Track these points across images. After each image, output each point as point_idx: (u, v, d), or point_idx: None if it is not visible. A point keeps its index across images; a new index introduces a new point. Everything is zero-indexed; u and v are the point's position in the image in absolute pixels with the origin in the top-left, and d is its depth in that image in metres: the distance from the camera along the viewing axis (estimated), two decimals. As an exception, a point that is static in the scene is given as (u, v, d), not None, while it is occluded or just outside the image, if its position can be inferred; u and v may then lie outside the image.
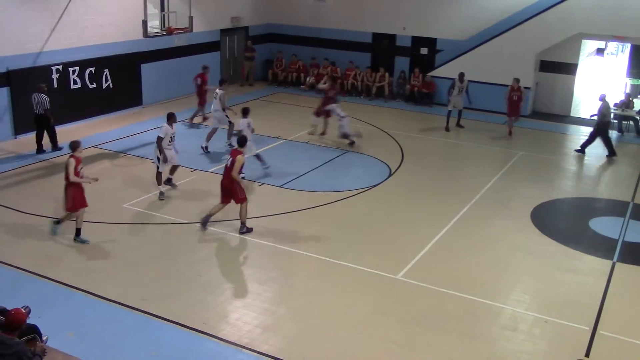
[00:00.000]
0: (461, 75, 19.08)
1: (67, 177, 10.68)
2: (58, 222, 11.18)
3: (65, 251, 10.80)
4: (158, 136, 12.94)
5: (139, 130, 17.62)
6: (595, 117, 17.45)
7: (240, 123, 14.24)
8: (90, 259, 10.55)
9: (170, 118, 13.09)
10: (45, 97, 15.43)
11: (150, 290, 9.63)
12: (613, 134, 19.45)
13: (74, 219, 11.02)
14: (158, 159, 13.00)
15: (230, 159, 11.50)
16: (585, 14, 19.46)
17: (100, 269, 10.21)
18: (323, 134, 17.70)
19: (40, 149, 15.68)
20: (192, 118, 18.71)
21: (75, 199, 10.77)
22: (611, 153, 17.34)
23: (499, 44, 20.88)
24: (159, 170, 13.11)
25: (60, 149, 15.64)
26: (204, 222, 11.72)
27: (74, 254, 10.70)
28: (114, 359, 8.00)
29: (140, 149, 16.14)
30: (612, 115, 17.63)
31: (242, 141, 11.79)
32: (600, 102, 17.21)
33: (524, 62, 20.68)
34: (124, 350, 8.15)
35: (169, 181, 13.59)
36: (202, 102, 18.60)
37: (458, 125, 19.41)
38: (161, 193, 13.17)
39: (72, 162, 10.65)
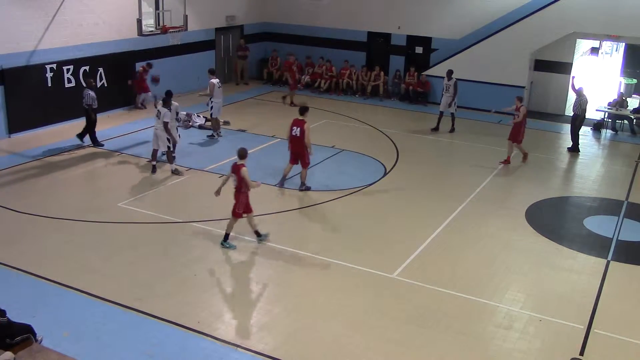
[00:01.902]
0: (448, 72, 18.61)
1: (247, 185, 10.61)
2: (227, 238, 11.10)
3: (60, 250, 10.77)
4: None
5: (133, 129, 17.58)
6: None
7: (165, 113, 14.31)
8: (85, 258, 10.52)
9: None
10: (87, 92, 15.68)
11: (145, 289, 9.61)
12: (607, 133, 19.56)
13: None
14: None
15: (298, 128, 13.13)
16: (580, 13, 19.51)
17: (95, 268, 10.19)
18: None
19: (94, 141, 16.16)
20: (285, 98, 20.89)
21: (246, 205, 10.81)
22: (574, 148, 17.35)
23: (494, 43, 20.91)
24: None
25: (102, 144, 16.14)
26: (282, 184, 13.73)
27: (69, 253, 10.67)
28: (109, 359, 7.99)
29: (134, 147, 16.09)
30: (585, 109, 17.37)
31: (304, 109, 13.35)
32: (577, 96, 17.24)
33: (518, 61, 20.73)
34: (119, 350, 8.13)
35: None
36: (294, 87, 21.18)
37: (450, 130, 18.67)
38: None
39: (246, 170, 10.63)
